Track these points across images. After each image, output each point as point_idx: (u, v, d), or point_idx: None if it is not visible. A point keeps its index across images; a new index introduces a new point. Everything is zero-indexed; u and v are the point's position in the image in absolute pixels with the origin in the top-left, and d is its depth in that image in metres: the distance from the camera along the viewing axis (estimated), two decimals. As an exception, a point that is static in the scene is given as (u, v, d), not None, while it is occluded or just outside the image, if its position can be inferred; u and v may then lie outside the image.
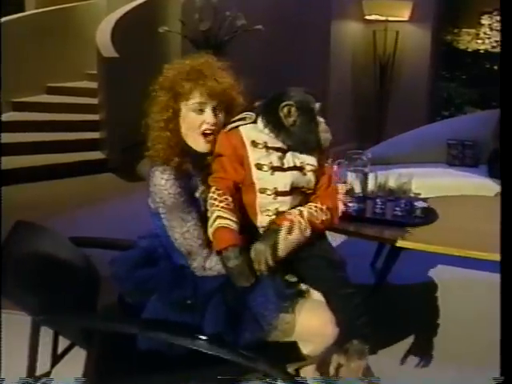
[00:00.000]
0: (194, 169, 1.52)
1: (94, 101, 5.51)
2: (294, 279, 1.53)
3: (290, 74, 5.29)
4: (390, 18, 5.78)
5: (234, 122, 1.52)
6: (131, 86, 4.66)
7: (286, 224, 1.46)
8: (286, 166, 1.51)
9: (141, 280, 1.51)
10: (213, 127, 1.50)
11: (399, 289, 2.81)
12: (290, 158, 1.52)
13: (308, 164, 1.54)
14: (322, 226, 1.53)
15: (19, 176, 4.42)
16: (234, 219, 1.42)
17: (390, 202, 2.35)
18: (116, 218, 3.69)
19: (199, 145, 1.51)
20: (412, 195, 2.37)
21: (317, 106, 1.53)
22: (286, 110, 1.50)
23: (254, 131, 1.51)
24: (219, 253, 1.43)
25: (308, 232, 1.49)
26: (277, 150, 1.51)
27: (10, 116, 5.46)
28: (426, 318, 2.51)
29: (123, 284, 1.54)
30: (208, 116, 1.49)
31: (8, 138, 4.59)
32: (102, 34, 4.99)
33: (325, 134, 1.52)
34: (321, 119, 1.53)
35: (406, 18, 5.82)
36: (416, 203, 2.35)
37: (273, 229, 1.48)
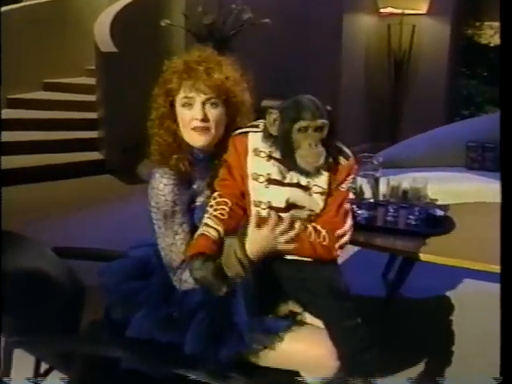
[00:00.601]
0: (199, 172, 1.52)
1: (93, 98, 5.52)
2: (299, 310, 1.48)
3: (299, 70, 5.26)
4: (406, 11, 5.74)
5: (247, 127, 1.49)
6: (131, 82, 4.66)
7: (256, 215, 1.38)
8: (286, 180, 1.43)
9: (130, 293, 1.50)
10: (205, 123, 1.48)
11: (413, 303, 2.75)
12: (295, 174, 1.43)
13: (316, 185, 1.43)
14: (310, 248, 1.41)
15: (12, 177, 4.40)
16: (219, 228, 1.39)
17: (403, 210, 2.28)
18: (114, 223, 3.67)
19: (193, 140, 1.50)
20: (427, 202, 2.28)
21: (302, 123, 1.37)
22: (270, 117, 1.42)
23: (261, 139, 1.46)
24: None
25: (286, 237, 1.38)
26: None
27: (4, 113, 5.45)
28: (440, 341, 2.43)
29: (111, 296, 1.52)
30: (196, 111, 1.47)
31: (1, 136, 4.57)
32: (101, 28, 4.99)
33: (306, 158, 1.38)
34: (309, 141, 1.37)
35: (423, 11, 5.77)
36: (431, 211, 2.27)
37: (247, 222, 1.41)
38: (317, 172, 1.42)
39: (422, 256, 2.06)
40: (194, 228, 1.46)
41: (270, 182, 1.42)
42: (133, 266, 1.55)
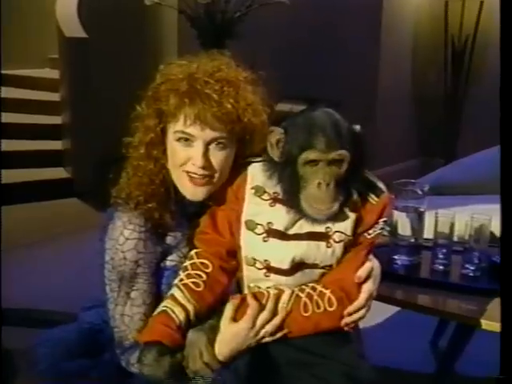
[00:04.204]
0: (178, 220, 1.49)
1: (58, 97, 5.58)
2: None
3: (324, 65, 5.27)
4: (471, -16, 5.74)
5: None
6: (106, 77, 4.67)
7: (232, 302, 1.37)
8: (293, 231, 1.38)
9: (70, 375, 1.50)
10: (205, 171, 1.42)
11: (472, 383, 2.70)
12: (305, 222, 1.38)
13: (338, 232, 1.39)
14: (308, 323, 1.38)
15: None
16: (189, 307, 1.36)
17: (456, 255, 2.25)
18: (74, 267, 3.62)
19: (185, 189, 1.46)
20: (492, 244, 2.23)
21: (310, 155, 1.32)
22: (271, 137, 1.38)
23: (265, 172, 1.41)
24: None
25: (271, 328, 1.36)
26: None
27: None
28: None
29: (45, 378, 1.51)
30: (196, 152, 1.40)
31: None
32: (65, 6, 5.04)
33: (312, 202, 1.33)
34: (319, 179, 1.32)
35: (494, -17, 5.74)
36: (497, 258, 2.21)
37: (219, 310, 1.39)
38: (337, 217, 1.37)
39: (484, 323, 1.99)
40: (159, 297, 1.44)
41: (270, 233, 1.38)
42: (80, 337, 1.55)
